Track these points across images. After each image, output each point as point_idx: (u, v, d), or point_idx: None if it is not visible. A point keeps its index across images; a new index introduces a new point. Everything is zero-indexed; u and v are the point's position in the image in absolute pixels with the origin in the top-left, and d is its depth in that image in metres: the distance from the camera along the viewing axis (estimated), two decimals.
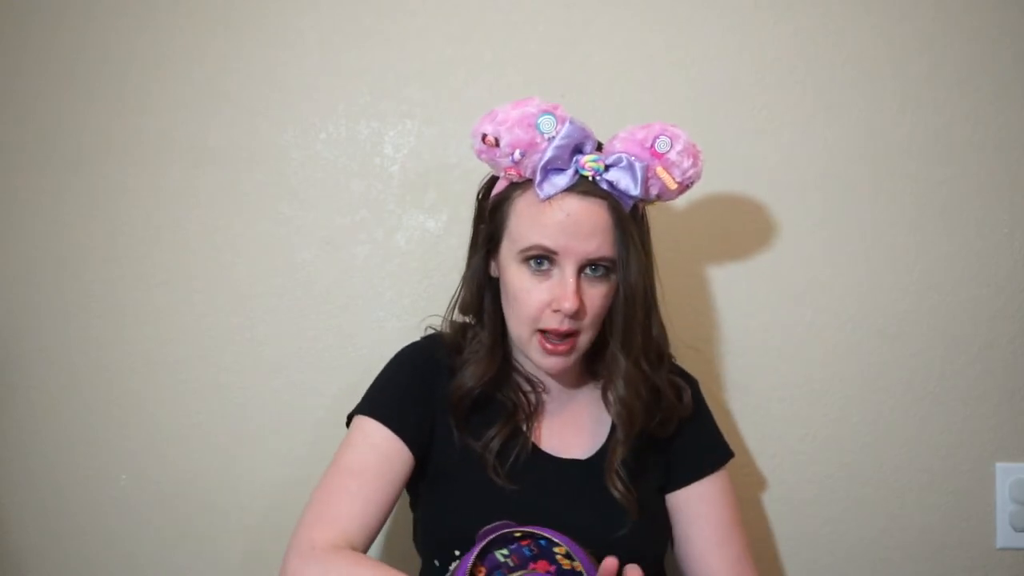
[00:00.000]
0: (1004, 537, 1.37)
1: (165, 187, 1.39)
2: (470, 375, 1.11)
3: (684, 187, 1.09)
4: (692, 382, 1.23)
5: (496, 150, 1.04)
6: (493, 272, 1.13)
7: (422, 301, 1.37)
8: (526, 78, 1.38)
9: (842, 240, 1.38)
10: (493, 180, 1.14)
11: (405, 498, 1.16)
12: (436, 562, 1.10)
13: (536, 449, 1.13)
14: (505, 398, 1.14)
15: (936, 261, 1.38)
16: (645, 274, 1.07)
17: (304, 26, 1.39)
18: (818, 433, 1.38)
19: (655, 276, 1.12)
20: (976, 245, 1.38)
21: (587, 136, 1.04)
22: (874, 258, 1.38)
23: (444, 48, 1.39)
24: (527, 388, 1.16)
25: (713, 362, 1.38)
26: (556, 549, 0.99)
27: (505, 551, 0.99)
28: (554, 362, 1.09)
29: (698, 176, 1.10)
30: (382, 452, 1.09)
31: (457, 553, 1.06)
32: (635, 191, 1.04)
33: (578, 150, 1.04)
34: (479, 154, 1.06)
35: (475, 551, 0.97)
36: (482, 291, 1.14)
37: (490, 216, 1.11)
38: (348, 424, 1.15)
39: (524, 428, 1.13)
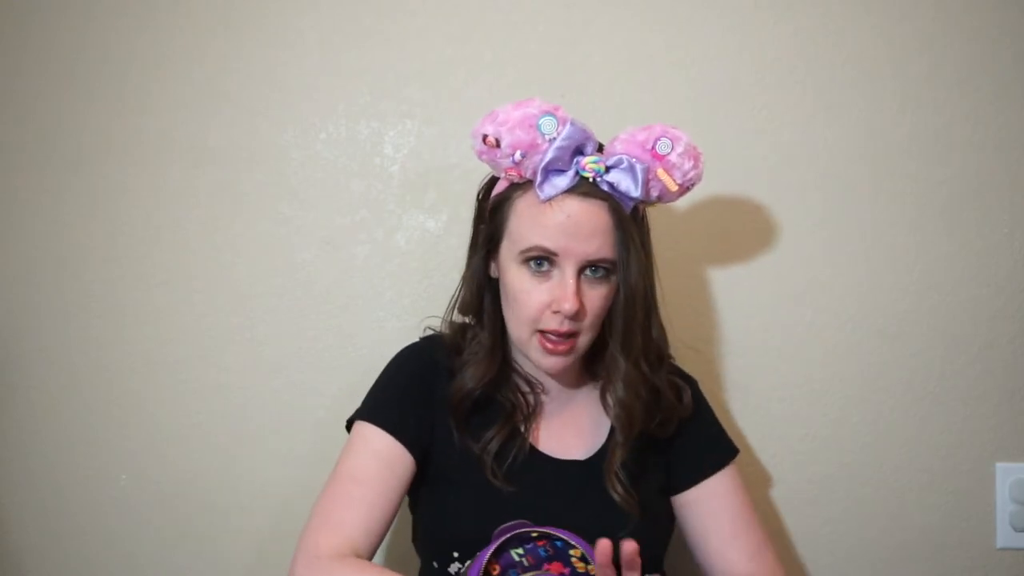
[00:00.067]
0: (1004, 537, 1.37)
1: (165, 187, 1.39)
2: (470, 376, 1.11)
3: (685, 189, 1.09)
4: (691, 382, 1.23)
5: (497, 151, 1.04)
6: (493, 272, 1.13)
7: (422, 301, 1.37)
8: (526, 78, 1.38)
9: (842, 240, 1.38)
10: (493, 180, 1.14)
11: (405, 499, 1.16)
12: (435, 564, 1.10)
13: (534, 450, 1.13)
14: (504, 399, 1.14)
15: (936, 261, 1.38)
16: (645, 275, 1.07)
17: (304, 26, 1.39)
18: (818, 433, 1.38)
19: (655, 277, 1.12)
20: (976, 245, 1.38)
21: (588, 137, 1.04)
22: (874, 258, 1.38)
23: (444, 48, 1.39)
24: (526, 389, 1.16)
25: (713, 362, 1.38)
26: (572, 552, 0.99)
27: (520, 550, 0.99)
28: (554, 361, 1.09)
29: (699, 178, 1.09)
30: (384, 458, 1.09)
31: (456, 555, 1.07)
32: (636, 193, 1.04)
33: (579, 151, 1.04)
34: (480, 155, 1.06)
35: (491, 549, 0.98)
36: (482, 291, 1.14)
37: (490, 216, 1.11)
38: (348, 428, 1.15)
39: (522, 429, 1.13)
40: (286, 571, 1.06)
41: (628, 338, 1.08)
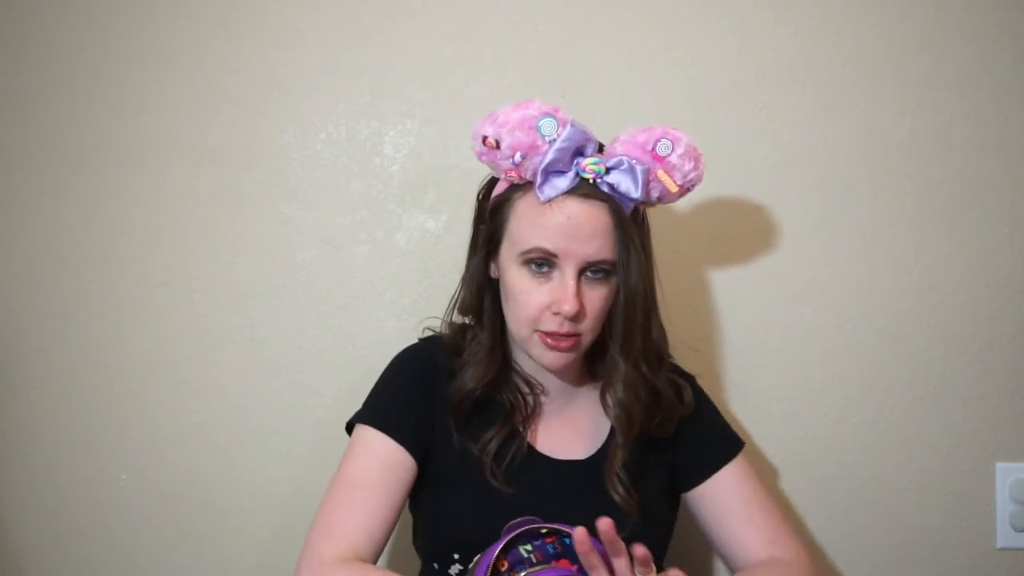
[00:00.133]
0: (1004, 537, 1.37)
1: (165, 187, 1.39)
2: (470, 376, 1.11)
3: (685, 190, 1.09)
4: (689, 378, 1.22)
5: (497, 152, 1.03)
6: (493, 273, 1.13)
7: (422, 301, 1.38)
8: (526, 78, 1.38)
9: (842, 240, 1.38)
10: (493, 181, 1.14)
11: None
12: (435, 565, 1.10)
13: (533, 450, 1.13)
14: (504, 400, 1.13)
15: (936, 261, 1.38)
16: (645, 276, 1.07)
17: (304, 26, 1.39)
18: (818, 433, 1.38)
19: (655, 278, 1.12)
20: (976, 245, 1.38)
21: (588, 139, 1.04)
22: (874, 258, 1.38)
23: (444, 48, 1.39)
24: (526, 390, 1.16)
25: (713, 362, 1.38)
26: None
27: (529, 547, 1.00)
28: (555, 357, 1.08)
29: (699, 179, 1.09)
30: (385, 462, 1.09)
31: (456, 556, 1.07)
32: (636, 194, 1.04)
33: (579, 153, 1.04)
34: (479, 156, 1.06)
35: (500, 545, 0.98)
36: (482, 292, 1.14)
37: (490, 217, 1.11)
38: (348, 430, 1.15)
39: (521, 429, 1.13)
40: (287, 571, 1.06)
41: (628, 339, 1.08)
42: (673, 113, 1.37)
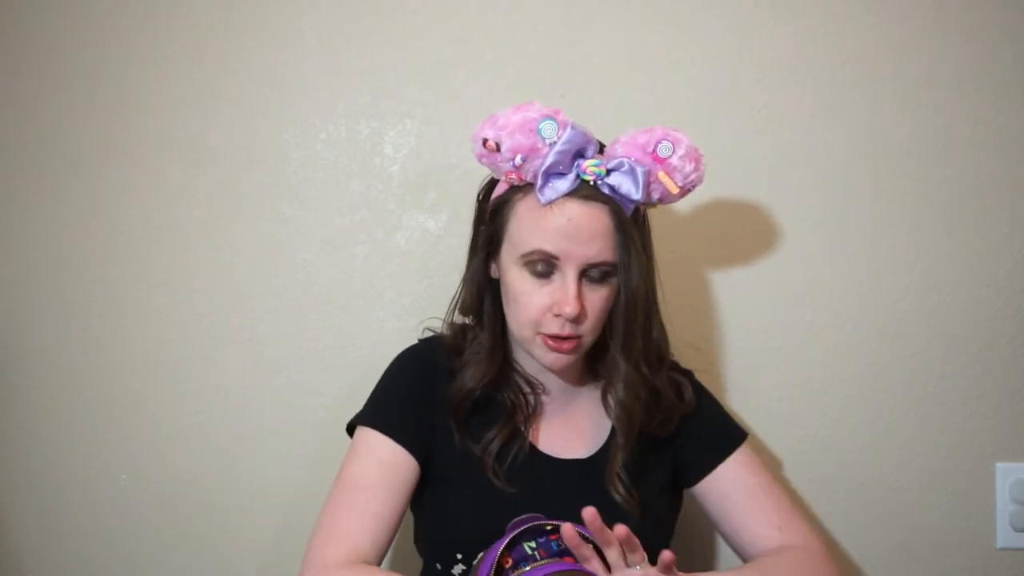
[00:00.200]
0: (1004, 537, 1.38)
1: (165, 187, 1.39)
2: (470, 376, 1.11)
3: (686, 191, 1.09)
4: (687, 374, 1.22)
5: (497, 155, 1.03)
6: (493, 273, 1.13)
7: (422, 301, 1.38)
8: (526, 78, 1.38)
9: (842, 240, 1.38)
10: (493, 181, 1.13)
11: None
12: (438, 565, 1.10)
13: (534, 450, 1.13)
14: (505, 399, 1.13)
15: (936, 261, 1.38)
16: (646, 277, 1.07)
17: (304, 26, 1.39)
18: (818, 433, 1.38)
19: (656, 278, 1.12)
20: (976, 245, 1.38)
21: (589, 141, 1.04)
22: (874, 258, 1.38)
23: (444, 48, 1.39)
24: (527, 390, 1.16)
25: (713, 362, 1.38)
26: None
27: (533, 543, 1.00)
28: (557, 358, 1.08)
29: (700, 180, 1.09)
30: (387, 464, 1.09)
31: (459, 556, 1.07)
32: (636, 195, 1.04)
33: (579, 155, 1.04)
34: (480, 158, 1.06)
35: (504, 541, 0.98)
36: (482, 292, 1.14)
37: (490, 218, 1.10)
38: (349, 431, 1.15)
39: (522, 429, 1.13)
40: (287, 571, 1.06)
41: (629, 340, 1.08)
42: (673, 113, 1.37)
